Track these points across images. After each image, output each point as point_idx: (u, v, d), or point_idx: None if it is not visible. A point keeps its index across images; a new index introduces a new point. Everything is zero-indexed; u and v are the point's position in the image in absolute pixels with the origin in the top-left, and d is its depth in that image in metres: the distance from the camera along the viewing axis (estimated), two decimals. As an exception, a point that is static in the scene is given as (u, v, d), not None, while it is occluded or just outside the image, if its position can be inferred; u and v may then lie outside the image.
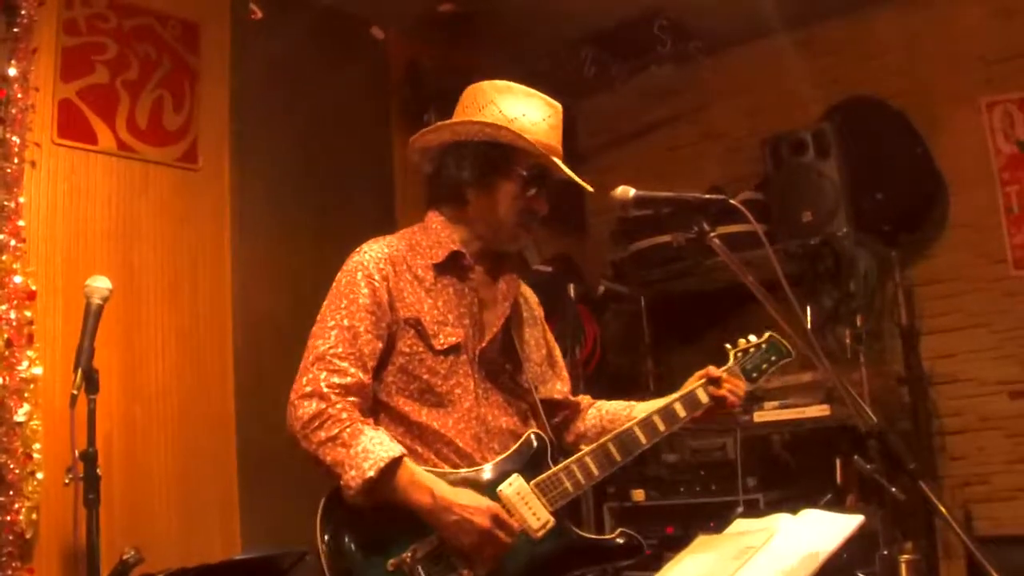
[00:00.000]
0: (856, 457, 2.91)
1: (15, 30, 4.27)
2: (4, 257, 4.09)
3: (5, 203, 4.14)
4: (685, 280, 5.98)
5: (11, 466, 3.93)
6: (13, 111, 4.21)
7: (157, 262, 4.73)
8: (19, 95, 4.23)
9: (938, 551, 5.37)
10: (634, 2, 6.04)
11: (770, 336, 3.29)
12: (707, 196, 2.99)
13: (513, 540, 2.67)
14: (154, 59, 4.87)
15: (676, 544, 3.52)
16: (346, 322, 2.80)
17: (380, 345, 2.84)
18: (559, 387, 3.27)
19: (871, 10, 6.22)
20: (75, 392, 3.48)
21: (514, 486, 2.78)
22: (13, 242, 4.12)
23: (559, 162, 2.97)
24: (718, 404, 3.12)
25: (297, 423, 2.68)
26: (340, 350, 2.76)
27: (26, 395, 4.03)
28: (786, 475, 5.33)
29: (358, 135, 5.27)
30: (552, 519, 2.77)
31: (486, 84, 3.06)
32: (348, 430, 2.65)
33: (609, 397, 3.37)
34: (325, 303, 2.88)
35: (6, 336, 4.03)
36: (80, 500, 3.49)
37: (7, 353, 4.02)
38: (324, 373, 2.72)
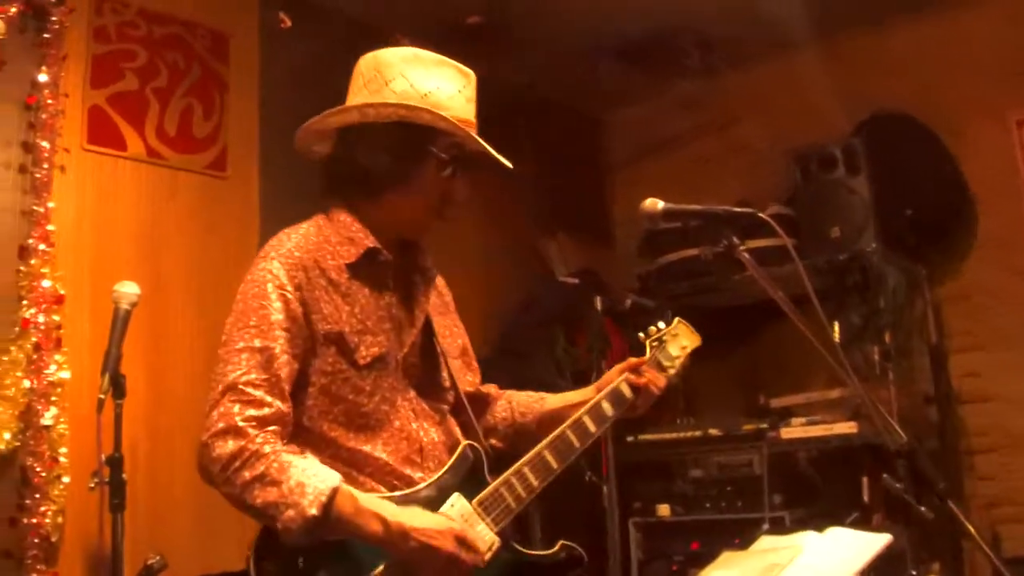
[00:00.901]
0: (885, 476, 2.89)
1: (45, 36, 4.32)
2: (33, 261, 4.12)
3: (35, 208, 4.17)
4: (713, 295, 5.96)
5: (38, 469, 3.96)
6: (43, 117, 4.25)
7: (185, 269, 4.75)
8: (49, 101, 4.28)
9: (965, 572, 5.33)
10: (661, 15, 6.04)
11: (679, 322, 3.20)
12: (736, 209, 2.94)
13: (478, 559, 2.47)
14: (183, 67, 4.90)
15: (701, 560, 3.50)
16: (257, 343, 2.43)
17: (297, 366, 2.50)
18: (470, 378, 3.00)
19: (899, 24, 6.19)
20: (102, 397, 3.49)
21: (456, 507, 2.56)
22: (42, 247, 4.15)
23: (478, 139, 2.66)
24: (641, 397, 2.96)
25: (215, 465, 2.32)
26: (253, 376, 2.40)
27: (53, 399, 4.06)
28: (812, 492, 5.29)
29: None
30: (498, 539, 2.58)
31: (388, 52, 2.73)
32: (275, 465, 2.31)
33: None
34: (231, 319, 2.52)
35: (34, 340, 4.06)
36: (105, 504, 3.49)
37: (35, 357, 4.05)
38: (237, 406, 2.36)
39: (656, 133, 7.16)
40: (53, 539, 3.95)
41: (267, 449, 2.32)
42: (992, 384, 5.76)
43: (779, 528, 4.78)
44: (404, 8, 5.63)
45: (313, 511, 2.25)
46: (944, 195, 5.84)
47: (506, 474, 2.67)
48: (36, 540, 3.91)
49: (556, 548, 2.77)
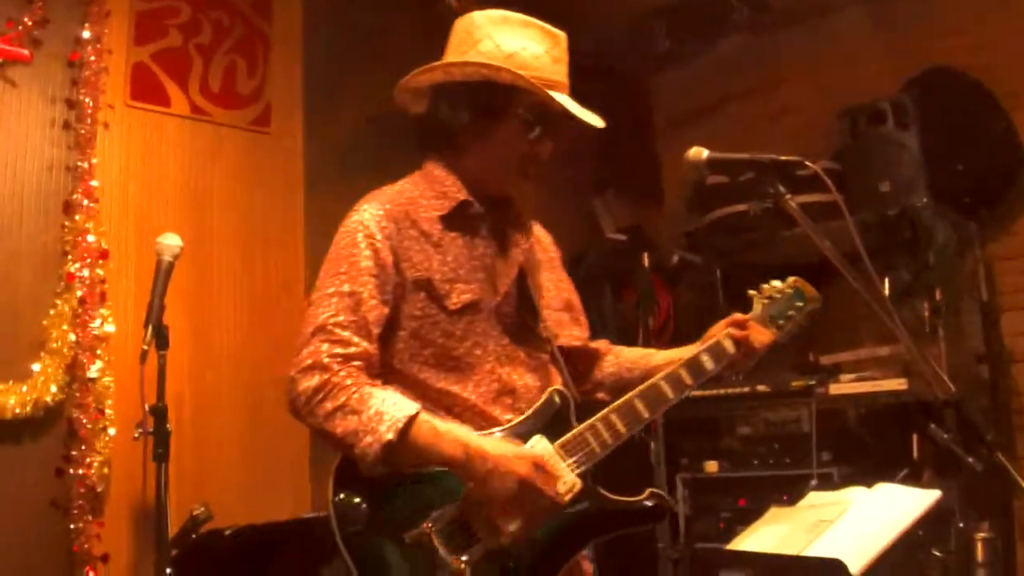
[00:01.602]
0: (932, 426, 2.85)
1: (89, -7, 4.34)
2: (77, 217, 4.16)
3: (79, 164, 4.21)
4: (761, 251, 5.88)
5: (83, 421, 4.02)
6: (86, 73, 4.29)
7: (229, 225, 4.77)
8: (92, 58, 4.31)
9: (1015, 532, 5.27)
10: (710, -27, 5.97)
11: (795, 281, 3.10)
12: (783, 158, 2.87)
13: (553, 492, 2.44)
14: (227, 24, 4.91)
15: (749, 517, 3.47)
16: (346, 287, 2.54)
17: (386, 311, 2.58)
18: (576, 333, 3.01)
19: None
20: (145, 348, 3.50)
21: (538, 448, 2.55)
22: (86, 202, 4.19)
23: (564, 98, 2.69)
24: (743, 351, 2.89)
25: (300, 398, 2.45)
26: (342, 319, 2.51)
27: (99, 352, 4.12)
28: (861, 449, 5.22)
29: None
30: (579, 481, 2.54)
31: (480, 15, 2.77)
32: (355, 396, 2.42)
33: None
34: (324, 267, 2.63)
35: (79, 294, 4.10)
36: (150, 455, 3.51)
37: (80, 311, 4.10)
38: (325, 344, 2.47)
39: (705, 93, 7.10)
40: (99, 490, 4.02)
41: (348, 382, 2.43)
42: (1045, 342, 5.67)
43: (827, 484, 4.72)
44: (450, -36, 5.59)
45: (390, 436, 2.34)
46: (997, 152, 5.72)
47: (592, 419, 2.65)
48: (82, 491, 3.98)
49: (644, 495, 2.71)
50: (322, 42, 5.26)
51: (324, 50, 5.25)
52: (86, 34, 4.30)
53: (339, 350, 2.47)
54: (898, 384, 5.02)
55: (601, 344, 3.10)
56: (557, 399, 2.69)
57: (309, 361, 2.46)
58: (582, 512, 2.57)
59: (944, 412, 3.65)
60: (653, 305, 5.80)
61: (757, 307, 3.01)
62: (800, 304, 3.09)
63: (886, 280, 5.33)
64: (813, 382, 5.27)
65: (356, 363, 2.48)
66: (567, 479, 2.52)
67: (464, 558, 2.40)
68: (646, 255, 5.71)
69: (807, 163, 2.86)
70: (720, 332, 2.90)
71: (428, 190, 2.75)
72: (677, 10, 6.33)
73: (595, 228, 6.64)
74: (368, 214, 2.64)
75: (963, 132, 5.60)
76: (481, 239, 2.75)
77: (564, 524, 2.55)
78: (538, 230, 3.01)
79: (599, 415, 2.66)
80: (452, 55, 2.78)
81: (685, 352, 2.91)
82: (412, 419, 2.38)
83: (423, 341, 2.62)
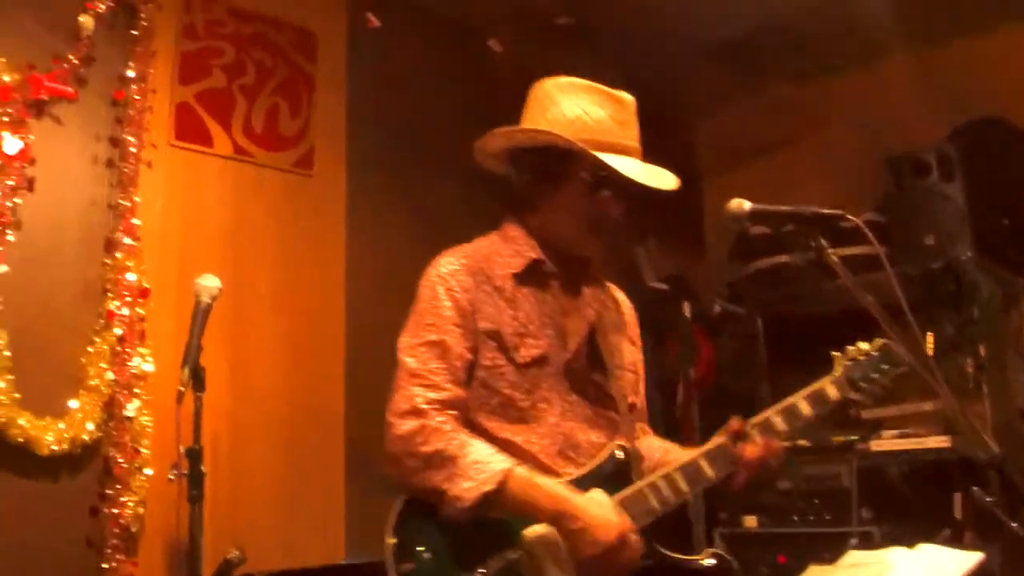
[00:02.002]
0: (975, 489, 2.80)
1: (134, 32, 4.39)
2: (118, 255, 4.17)
3: (121, 202, 4.23)
4: (803, 302, 5.84)
5: (120, 460, 4.01)
6: (131, 112, 4.31)
7: (269, 265, 4.77)
8: (137, 97, 4.33)
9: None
10: (752, 19, 5.97)
11: (883, 344, 3.09)
12: (825, 211, 2.85)
13: (628, 563, 2.51)
14: (270, 65, 4.92)
15: (788, 573, 3.43)
16: (434, 336, 2.68)
17: (471, 357, 2.71)
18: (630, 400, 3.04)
19: (995, 29, 6.02)
20: (182, 389, 3.51)
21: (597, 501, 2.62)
22: (128, 240, 4.19)
23: (622, 160, 2.77)
24: (742, 466, 2.76)
25: (399, 441, 2.56)
26: (432, 366, 2.65)
27: (136, 391, 4.11)
28: (902, 507, 5.15)
29: (473, 143, 5.27)
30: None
31: (549, 83, 2.91)
32: (454, 442, 2.54)
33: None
34: (410, 319, 2.77)
35: (118, 332, 4.09)
36: (184, 496, 3.50)
37: (119, 349, 4.10)
38: (419, 389, 2.61)
39: (748, 138, 7.07)
40: (133, 529, 3.99)
41: (447, 427, 2.57)
42: (1091, 399, 5.58)
43: (868, 543, 4.67)
44: (494, 7, 5.62)
45: (488, 487, 2.46)
46: (1044, 205, 5.68)
47: (653, 476, 2.70)
48: (116, 530, 3.95)
49: (704, 554, 2.77)
50: (367, 85, 5.27)
51: (368, 92, 5.27)
52: (131, 73, 4.32)
53: (433, 395, 2.60)
54: (941, 441, 4.96)
55: (645, 425, 3.12)
56: (620, 454, 2.76)
57: (406, 406, 2.59)
58: (642, 569, 2.59)
59: (987, 472, 3.60)
60: (694, 355, 5.76)
61: (838, 369, 2.93)
62: (885, 367, 3.01)
63: (929, 335, 5.26)
64: (855, 437, 5.21)
65: (451, 411, 2.62)
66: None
67: None
68: (687, 305, 5.68)
69: (849, 216, 2.83)
70: (697, 452, 2.79)
71: (503, 248, 2.87)
72: (721, 54, 6.33)
73: (636, 277, 6.62)
74: (446, 268, 2.77)
75: (1009, 184, 5.55)
76: (552, 296, 2.86)
77: None
78: (617, 294, 3.13)
79: (659, 472, 2.70)
80: (526, 123, 2.91)
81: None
82: (510, 471, 2.50)
83: (490, 391, 2.72)
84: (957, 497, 4.86)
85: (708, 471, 2.73)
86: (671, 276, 6.47)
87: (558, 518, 2.48)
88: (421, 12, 5.60)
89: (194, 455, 3.52)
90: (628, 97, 2.89)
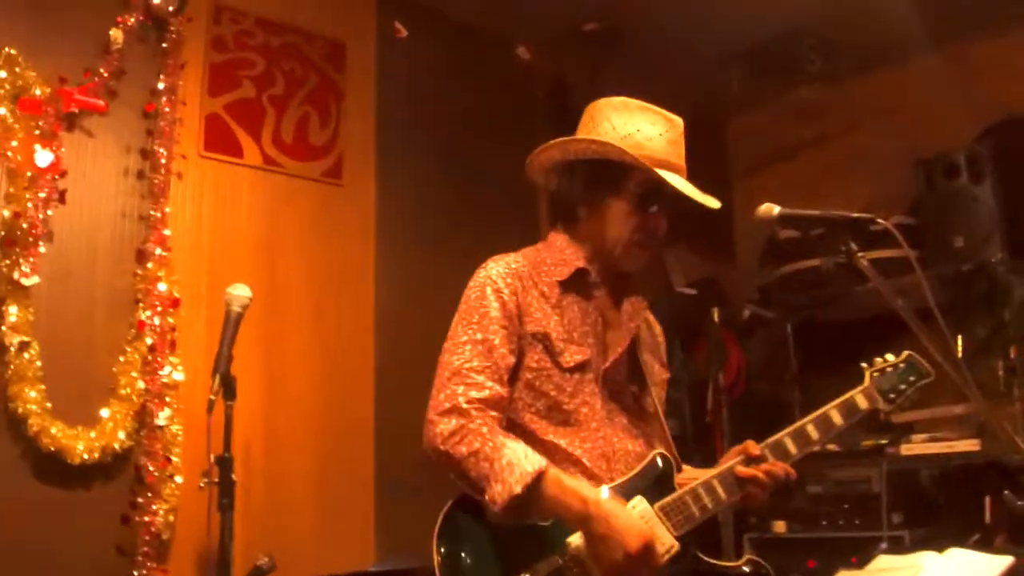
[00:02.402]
0: (1006, 492, 2.79)
1: (164, 45, 4.44)
2: (150, 265, 4.21)
3: (152, 213, 4.27)
4: (834, 307, 5.82)
5: (151, 468, 4.04)
6: (161, 124, 4.35)
7: (300, 275, 4.80)
8: (167, 108, 4.38)
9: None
10: (783, 20, 5.95)
11: (909, 356, 3.07)
12: (854, 215, 2.86)
13: (656, 567, 2.54)
14: (300, 76, 4.95)
15: (817, 578, 3.42)
16: (479, 335, 2.72)
17: (513, 360, 2.75)
18: None
19: (1018, 27, 5.99)
20: (212, 397, 3.53)
21: (638, 509, 2.65)
22: (159, 251, 4.23)
23: (672, 176, 2.81)
24: (748, 490, 2.78)
25: (438, 439, 2.59)
26: (476, 364, 2.68)
27: (167, 400, 4.14)
28: (933, 511, 5.12)
29: (502, 152, 5.29)
30: (677, 544, 2.62)
31: (602, 101, 2.96)
32: (490, 444, 2.56)
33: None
34: (455, 319, 2.80)
35: (150, 342, 4.13)
36: (215, 504, 3.54)
37: (150, 358, 4.13)
38: (462, 387, 2.64)
39: (778, 141, 7.06)
40: (164, 537, 4.03)
41: (485, 429, 2.59)
42: (1124, 402, 5.53)
43: (898, 547, 4.64)
44: (521, 15, 5.63)
45: (518, 489, 2.48)
46: (1075, 206, 5.63)
47: (694, 484, 2.74)
48: (147, 538, 3.99)
49: (742, 561, 2.80)
50: (396, 94, 5.30)
51: (398, 102, 5.30)
52: (161, 85, 4.37)
53: (475, 394, 2.64)
54: (971, 445, 4.93)
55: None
56: (660, 462, 2.80)
57: (447, 405, 2.62)
58: (679, 573, 2.66)
59: (1018, 475, 3.58)
60: (724, 361, 5.75)
61: (867, 380, 3.00)
62: (913, 379, 3.07)
63: (959, 337, 5.24)
64: (885, 441, 5.20)
65: (492, 411, 2.65)
66: (665, 541, 2.61)
67: None
68: (716, 310, 5.67)
69: (879, 219, 2.84)
70: (727, 464, 2.81)
71: (549, 257, 2.92)
72: (751, 55, 6.32)
73: (665, 281, 6.61)
74: (495, 271, 2.81)
75: (1039, 185, 5.51)
76: (595, 307, 2.89)
77: None
78: (649, 315, 3.12)
79: (700, 480, 2.75)
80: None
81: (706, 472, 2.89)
82: (541, 473, 2.51)
83: (537, 393, 2.77)
84: (987, 501, 4.84)
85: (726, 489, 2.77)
86: (700, 280, 6.46)
87: (585, 521, 2.51)
88: (449, 21, 5.63)
89: (224, 463, 3.55)
90: (677, 119, 2.94)
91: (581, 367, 2.80)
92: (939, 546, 2.95)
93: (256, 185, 4.74)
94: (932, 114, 6.07)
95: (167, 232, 4.27)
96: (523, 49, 5.89)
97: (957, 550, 2.92)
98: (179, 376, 4.18)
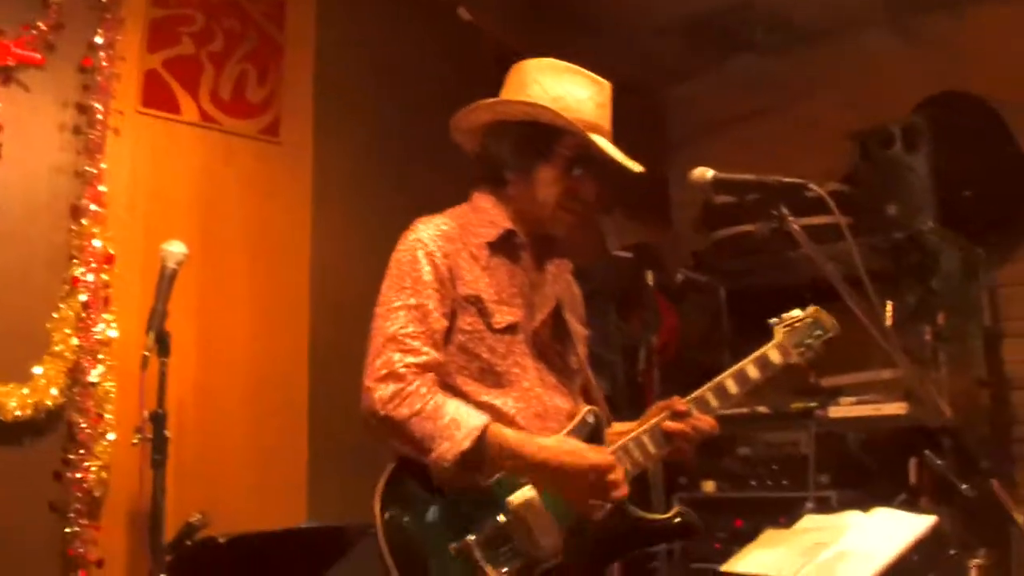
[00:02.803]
0: (927, 452, 2.86)
1: (103, 0, 4.35)
2: (84, 221, 4.18)
3: (87, 168, 4.23)
4: (767, 272, 5.87)
5: (83, 425, 4.03)
6: (98, 79, 4.30)
7: (237, 233, 4.78)
8: (105, 63, 4.32)
9: (1012, 560, 5.25)
10: (726, -8, 5.99)
11: (815, 310, 3.13)
12: (787, 180, 2.88)
13: (622, 486, 2.63)
14: (239, 32, 4.92)
15: (745, 538, 3.48)
16: (413, 300, 2.71)
17: (446, 323, 2.75)
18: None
19: (971, 5, 6.08)
20: (146, 354, 3.51)
21: None
22: (93, 207, 4.20)
23: (603, 141, 2.84)
24: (675, 445, 2.83)
25: (377, 403, 2.58)
26: (411, 329, 2.67)
27: (101, 357, 4.13)
28: (860, 473, 5.22)
29: (442, 115, 5.28)
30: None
31: (530, 62, 2.95)
32: (431, 403, 2.59)
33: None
34: (386, 283, 2.78)
35: (83, 298, 4.11)
36: (147, 461, 3.53)
37: (84, 315, 4.11)
38: (398, 353, 2.64)
39: (719, 110, 7.10)
40: (97, 494, 4.03)
41: (423, 390, 2.61)
42: (1046, 371, 5.67)
43: (825, 508, 4.73)
44: (467, -20, 5.61)
45: (466, 444, 2.52)
46: (1006, 179, 5.73)
47: (624, 440, 2.79)
48: (80, 495, 3.99)
49: (672, 513, 2.83)
50: (335, 52, 5.28)
51: (337, 60, 5.27)
52: (99, 39, 4.31)
53: (411, 359, 2.64)
54: (898, 408, 5.02)
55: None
56: (592, 419, 2.84)
57: (384, 371, 2.62)
58: (615, 528, 2.71)
59: (941, 438, 3.67)
60: (657, 323, 5.80)
61: (779, 335, 3.04)
62: (819, 333, 3.12)
63: (889, 304, 5.32)
64: (813, 404, 5.27)
65: (429, 373, 2.65)
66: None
67: (504, 569, 2.54)
68: (651, 273, 5.71)
69: (811, 186, 2.88)
70: (655, 419, 2.86)
71: (475, 219, 2.90)
72: (694, 24, 6.34)
73: (602, 244, 6.64)
74: (425, 234, 2.79)
75: (973, 157, 5.60)
76: (522, 269, 2.89)
77: (598, 539, 2.69)
78: (570, 276, 3.12)
79: (631, 436, 2.80)
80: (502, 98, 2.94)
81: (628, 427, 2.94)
82: (486, 427, 2.57)
83: (470, 355, 2.77)
84: (913, 463, 4.94)
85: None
86: (636, 245, 6.49)
87: (535, 466, 2.58)
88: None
89: (158, 420, 3.53)
90: (606, 82, 2.94)
91: (512, 328, 2.81)
92: (865, 507, 3.02)
93: (193, 142, 4.71)
94: (875, 87, 6.15)
95: (103, 188, 4.23)
96: (463, 9, 5.86)
97: (882, 510, 3.00)
98: (113, 333, 4.16)
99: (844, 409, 5.21)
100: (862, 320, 2.70)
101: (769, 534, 3.22)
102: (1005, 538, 5.01)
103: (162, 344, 3.62)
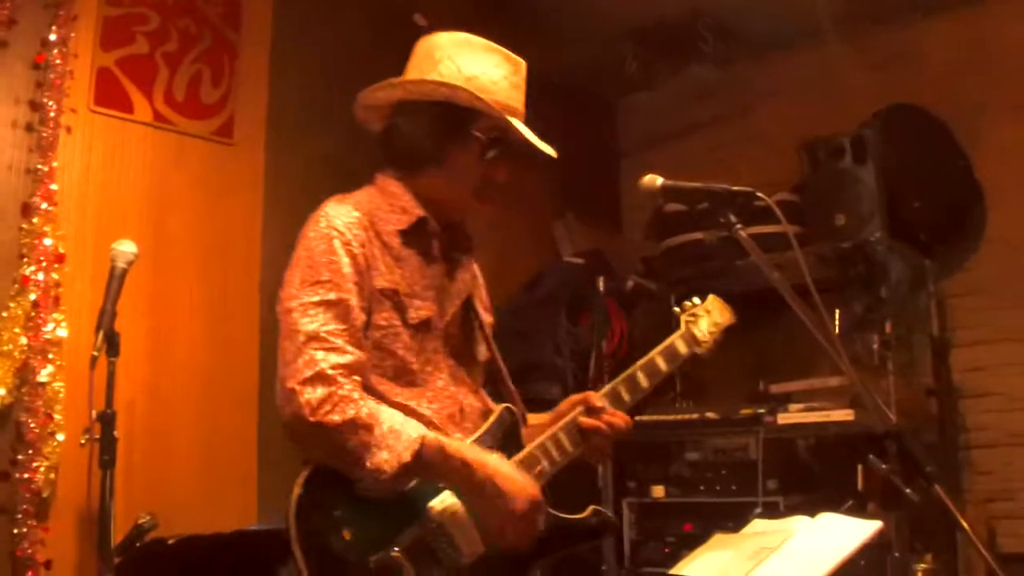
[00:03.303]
0: (871, 456, 2.89)
1: (57, -4, 4.33)
2: (35, 220, 4.14)
3: (39, 167, 4.19)
4: (717, 280, 5.90)
5: (32, 425, 3.99)
6: (51, 76, 4.26)
7: (188, 233, 4.76)
8: (58, 61, 4.29)
9: (958, 566, 5.32)
10: (678, 3, 6.02)
11: (713, 300, 3.25)
12: (736, 188, 2.89)
13: (537, 529, 2.55)
14: (194, 33, 4.89)
15: (694, 542, 3.51)
16: (333, 295, 2.51)
17: (365, 318, 2.58)
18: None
19: (920, 19, 6.16)
20: (95, 353, 3.50)
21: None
22: (45, 205, 4.16)
23: (520, 125, 2.74)
24: (592, 441, 2.80)
25: (305, 409, 2.38)
26: (333, 327, 2.48)
27: (50, 356, 4.08)
28: (808, 479, 5.28)
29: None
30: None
31: (443, 37, 2.82)
32: (365, 410, 2.42)
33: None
34: (299, 273, 2.58)
35: (33, 297, 4.07)
36: (96, 462, 3.51)
37: (33, 314, 4.07)
38: (321, 352, 2.43)
39: (670, 119, 7.16)
40: (45, 495, 3.98)
41: (355, 395, 2.43)
42: (994, 380, 5.74)
43: (773, 513, 4.77)
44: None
45: (407, 456, 2.39)
46: (954, 190, 5.81)
47: (541, 438, 2.74)
48: (28, 495, 3.94)
49: (587, 513, 2.81)
50: (290, 55, 5.27)
51: (291, 63, 5.26)
52: (53, 36, 4.27)
53: (337, 358, 2.45)
54: (845, 415, 5.09)
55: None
56: (508, 417, 2.78)
57: (309, 372, 2.41)
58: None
59: (887, 444, 3.70)
60: (607, 329, 5.83)
61: (683, 326, 3.11)
62: (719, 322, 3.21)
63: (837, 312, 5.39)
64: (762, 410, 5.33)
65: (355, 375, 2.48)
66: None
67: None
68: (602, 279, 5.74)
69: (760, 195, 2.90)
70: (569, 416, 2.82)
71: (385, 204, 2.75)
72: (645, 34, 6.38)
73: (554, 251, 6.68)
74: (340, 221, 2.63)
75: (921, 169, 5.68)
76: (433, 259, 2.77)
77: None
78: (474, 264, 3.02)
79: (547, 433, 2.75)
80: (413, 74, 2.81)
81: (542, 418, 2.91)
82: (424, 438, 2.44)
83: (384, 352, 2.62)
84: (860, 469, 4.99)
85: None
86: (588, 251, 6.53)
87: (471, 484, 2.48)
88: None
89: (106, 420, 3.53)
90: (521, 60, 2.83)
91: (426, 324, 2.69)
92: (813, 512, 3.05)
93: (146, 142, 4.67)
94: (827, 99, 6.23)
95: (54, 187, 4.20)
96: (419, 16, 5.86)
97: (828, 515, 3.02)
98: (63, 332, 4.12)
99: (792, 415, 5.27)
100: (810, 328, 2.73)
101: (717, 538, 3.24)
102: (952, 543, 5.08)
103: (111, 344, 3.61)
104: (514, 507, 2.47)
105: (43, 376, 4.04)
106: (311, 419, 2.38)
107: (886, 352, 5.32)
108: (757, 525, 3.27)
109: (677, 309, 3.19)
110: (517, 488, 2.49)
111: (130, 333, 3.79)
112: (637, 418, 5.63)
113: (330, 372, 2.42)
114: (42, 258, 4.13)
